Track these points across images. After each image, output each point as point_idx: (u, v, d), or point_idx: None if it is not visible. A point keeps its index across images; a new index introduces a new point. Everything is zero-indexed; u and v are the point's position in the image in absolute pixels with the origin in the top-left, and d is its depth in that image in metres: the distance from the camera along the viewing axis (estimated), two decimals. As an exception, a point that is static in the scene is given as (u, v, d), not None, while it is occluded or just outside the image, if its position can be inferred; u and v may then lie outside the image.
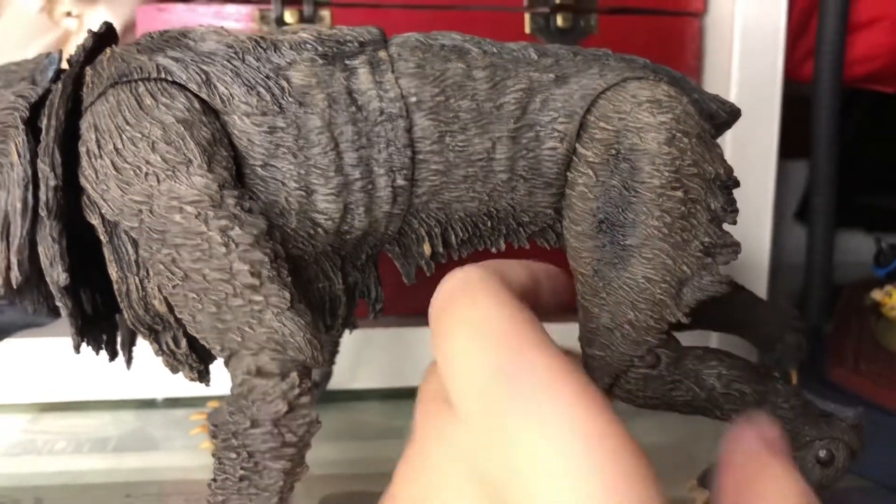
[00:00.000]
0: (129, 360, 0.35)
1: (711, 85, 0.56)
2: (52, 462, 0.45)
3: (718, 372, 0.33)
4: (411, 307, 0.47)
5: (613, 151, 0.32)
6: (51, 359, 0.51)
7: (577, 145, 0.33)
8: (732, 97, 0.54)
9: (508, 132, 0.32)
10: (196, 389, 0.42)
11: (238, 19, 0.52)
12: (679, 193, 0.32)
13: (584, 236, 0.32)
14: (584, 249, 0.33)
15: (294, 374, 0.30)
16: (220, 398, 0.51)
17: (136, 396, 0.52)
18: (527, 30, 0.54)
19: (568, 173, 0.33)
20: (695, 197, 0.32)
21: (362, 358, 0.53)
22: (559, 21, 0.53)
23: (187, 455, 0.46)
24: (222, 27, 0.32)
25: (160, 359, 0.34)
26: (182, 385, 0.47)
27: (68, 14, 0.59)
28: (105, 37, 0.33)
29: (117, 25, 0.61)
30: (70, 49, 0.60)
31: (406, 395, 0.47)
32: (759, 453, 0.22)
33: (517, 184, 0.33)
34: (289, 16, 0.51)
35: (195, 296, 0.29)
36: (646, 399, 0.33)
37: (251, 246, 0.29)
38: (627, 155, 0.32)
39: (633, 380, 0.33)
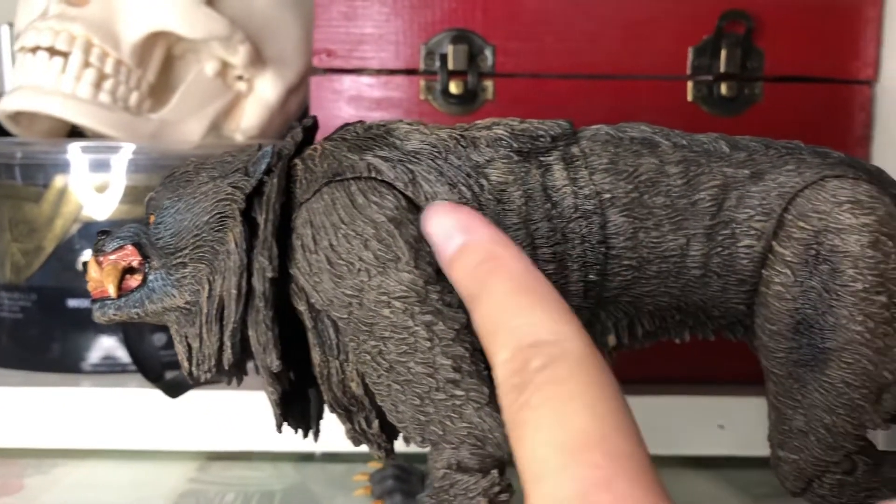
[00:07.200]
0: (316, 433, 0.37)
1: (880, 156, 0.54)
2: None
3: None
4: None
5: (813, 252, 0.32)
6: (216, 409, 0.53)
7: (774, 243, 0.32)
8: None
9: (703, 229, 0.32)
10: (352, 446, 0.43)
11: (405, 90, 0.53)
12: (882, 298, 0.31)
13: (780, 336, 0.32)
14: (778, 349, 0.32)
15: (495, 472, 0.30)
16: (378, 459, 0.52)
17: (296, 449, 0.54)
18: (689, 98, 0.53)
19: (763, 271, 0.33)
20: None
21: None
22: (723, 90, 0.53)
23: (350, 515, 0.48)
24: (423, 123, 0.34)
25: (349, 436, 0.35)
26: (340, 441, 0.48)
27: (240, 78, 0.62)
28: (310, 129, 0.35)
29: (283, 89, 0.64)
30: (242, 110, 0.64)
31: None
32: None
33: (710, 280, 0.33)
34: (454, 87, 0.53)
35: (399, 387, 0.31)
36: (840, 505, 0.32)
37: (453, 341, 0.30)
38: (828, 256, 0.31)
39: (828, 485, 0.32)
